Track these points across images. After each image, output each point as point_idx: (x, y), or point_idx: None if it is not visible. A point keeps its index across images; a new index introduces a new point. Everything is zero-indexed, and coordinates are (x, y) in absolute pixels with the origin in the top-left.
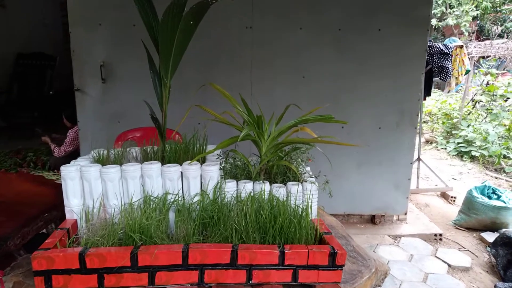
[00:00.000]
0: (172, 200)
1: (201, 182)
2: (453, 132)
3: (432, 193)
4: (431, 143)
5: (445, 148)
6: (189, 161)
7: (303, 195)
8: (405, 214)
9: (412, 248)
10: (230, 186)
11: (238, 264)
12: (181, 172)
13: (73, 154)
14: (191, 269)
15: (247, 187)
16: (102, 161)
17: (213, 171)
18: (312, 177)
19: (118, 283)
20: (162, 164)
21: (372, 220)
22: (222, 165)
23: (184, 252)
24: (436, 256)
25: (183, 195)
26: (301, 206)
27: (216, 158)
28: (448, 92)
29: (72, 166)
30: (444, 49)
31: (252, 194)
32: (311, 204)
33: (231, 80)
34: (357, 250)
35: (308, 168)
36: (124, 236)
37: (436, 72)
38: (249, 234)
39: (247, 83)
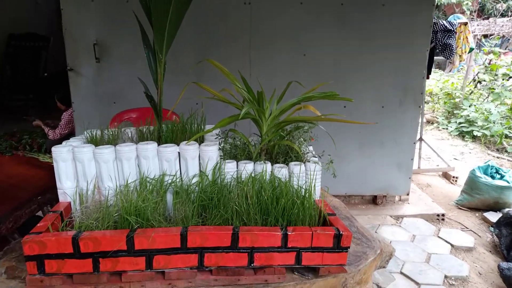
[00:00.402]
0: (170, 181)
1: (199, 162)
2: (454, 112)
3: (433, 173)
4: (432, 123)
5: (447, 128)
6: (186, 141)
7: (306, 175)
8: (407, 194)
9: (414, 229)
10: (230, 167)
11: (239, 247)
12: (179, 153)
13: (69, 137)
14: (190, 253)
15: (248, 167)
16: (96, 142)
17: (212, 151)
18: (316, 157)
19: (114, 268)
20: (159, 145)
21: (374, 200)
22: (221, 145)
23: (183, 235)
24: (438, 236)
25: (181, 176)
26: (304, 187)
27: (215, 138)
28: (450, 71)
29: (64, 147)
30: (448, 26)
31: (253, 175)
32: (314, 185)
33: (229, 59)
34: (361, 231)
35: (311, 148)
36: (120, 219)
37: (439, 50)
38: (250, 216)
39: (246, 61)
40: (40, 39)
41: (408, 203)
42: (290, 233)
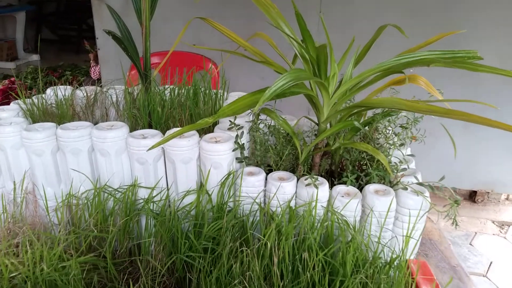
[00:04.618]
0: (146, 199)
1: (199, 169)
2: None
3: None
4: None
5: None
6: (175, 130)
7: (398, 214)
8: None
9: None
10: (253, 183)
11: None
12: (163, 149)
13: None
14: None
15: (285, 189)
16: (40, 114)
17: (220, 152)
18: (419, 183)
19: None
20: (135, 129)
21: (472, 197)
22: (240, 138)
23: None
24: None
25: (167, 188)
26: (388, 243)
27: (229, 127)
28: None
29: None
30: None
31: (293, 203)
32: (415, 243)
33: None
34: None
35: (410, 158)
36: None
37: None
38: None
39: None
40: None
41: None
42: None
